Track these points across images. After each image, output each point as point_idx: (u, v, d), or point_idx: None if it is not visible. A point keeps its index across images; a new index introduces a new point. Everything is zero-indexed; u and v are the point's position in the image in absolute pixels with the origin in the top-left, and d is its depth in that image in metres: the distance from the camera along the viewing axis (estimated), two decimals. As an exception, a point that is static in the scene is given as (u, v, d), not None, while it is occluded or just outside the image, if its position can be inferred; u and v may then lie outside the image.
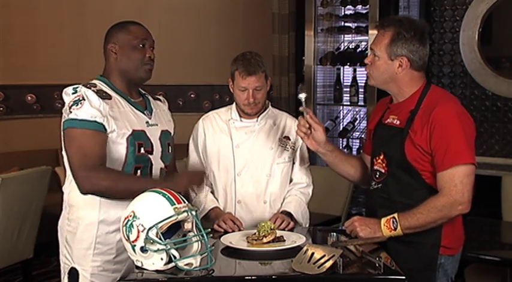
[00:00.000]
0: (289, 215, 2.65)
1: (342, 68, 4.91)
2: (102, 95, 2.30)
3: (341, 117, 5.01)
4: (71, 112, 2.25)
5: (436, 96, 2.34)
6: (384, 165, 2.37)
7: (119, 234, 2.28)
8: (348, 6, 4.83)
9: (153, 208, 2.01)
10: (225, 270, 2.15)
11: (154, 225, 1.97)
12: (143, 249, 2.00)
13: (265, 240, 2.27)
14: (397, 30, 2.29)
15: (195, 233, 2.06)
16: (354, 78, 4.82)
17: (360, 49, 4.77)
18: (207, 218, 2.68)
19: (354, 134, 4.89)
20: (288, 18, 5.15)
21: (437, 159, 2.24)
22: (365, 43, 4.72)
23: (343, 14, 4.91)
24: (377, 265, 2.02)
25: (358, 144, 4.91)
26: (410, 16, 4.08)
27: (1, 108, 5.37)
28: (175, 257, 1.98)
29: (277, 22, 5.16)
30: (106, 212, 2.33)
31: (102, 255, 2.35)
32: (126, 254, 2.26)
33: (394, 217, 2.25)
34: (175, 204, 2.01)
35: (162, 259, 1.99)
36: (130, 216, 2.02)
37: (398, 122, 2.35)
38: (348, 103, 4.89)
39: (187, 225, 2.06)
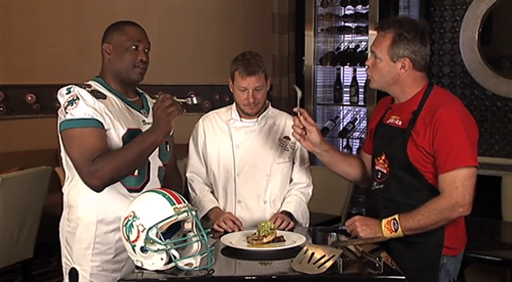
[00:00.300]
0: (289, 215, 2.65)
1: (342, 68, 4.91)
2: (97, 95, 2.30)
3: (341, 117, 5.01)
4: (66, 113, 2.25)
5: (439, 98, 2.33)
6: (385, 165, 2.37)
7: (118, 234, 2.29)
8: (348, 6, 4.82)
9: (153, 208, 2.01)
10: (225, 270, 2.16)
11: (154, 225, 1.97)
12: (143, 249, 2.00)
13: (265, 240, 2.27)
14: (398, 32, 2.28)
15: (195, 233, 2.06)
16: (354, 78, 4.82)
17: (360, 49, 4.77)
18: (207, 218, 2.68)
19: (354, 134, 4.88)
20: (288, 18, 5.15)
21: (439, 161, 2.23)
22: (365, 43, 4.72)
23: (343, 14, 4.91)
24: (377, 265, 2.02)
25: (358, 144, 4.91)
26: (409, 16, 4.08)
27: (1, 108, 5.37)
28: (175, 257, 1.98)
29: (277, 22, 5.16)
30: (104, 211, 2.33)
31: (101, 255, 2.35)
32: (125, 254, 2.27)
33: (395, 218, 2.25)
34: (175, 204, 2.01)
35: (162, 259, 2.00)
36: (130, 216, 2.02)
37: (400, 123, 2.34)
38: (348, 103, 4.89)
39: (187, 225, 2.06)
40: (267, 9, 5.28)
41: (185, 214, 2.02)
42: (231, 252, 2.23)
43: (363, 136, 4.76)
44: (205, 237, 2.04)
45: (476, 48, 4.56)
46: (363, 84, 4.75)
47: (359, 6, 4.75)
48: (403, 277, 1.97)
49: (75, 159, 2.24)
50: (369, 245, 2.23)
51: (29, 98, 5.48)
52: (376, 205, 2.42)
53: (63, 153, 2.34)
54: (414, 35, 2.28)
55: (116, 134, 2.29)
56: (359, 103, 4.82)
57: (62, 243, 2.43)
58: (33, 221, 3.84)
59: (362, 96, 4.77)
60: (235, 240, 2.32)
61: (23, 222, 3.76)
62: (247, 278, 2.06)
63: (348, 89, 4.87)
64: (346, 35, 4.96)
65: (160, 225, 1.98)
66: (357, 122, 4.87)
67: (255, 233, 2.32)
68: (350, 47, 4.87)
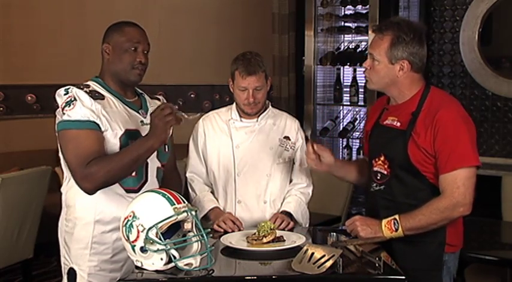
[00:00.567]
0: (289, 215, 2.65)
1: (342, 68, 4.90)
2: (95, 96, 2.31)
3: (341, 117, 5.00)
4: (63, 114, 2.26)
5: (438, 99, 2.35)
6: (385, 166, 2.37)
7: (115, 234, 2.30)
8: (348, 6, 4.82)
9: (152, 208, 2.01)
10: (225, 270, 2.16)
11: (154, 226, 1.97)
12: (143, 250, 2.00)
13: (265, 240, 2.27)
14: (396, 34, 2.29)
15: (195, 233, 2.06)
16: (354, 78, 4.81)
17: (360, 49, 4.77)
18: (207, 218, 2.68)
19: (354, 134, 4.88)
20: (288, 18, 5.14)
21: (440, 161, 2.25)
22: (365, 43, 4.72)
23: (343, 14, 4.91)
24: (377, 265, 2.02)
25: (358, 144, 4.91)
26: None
27: (1, 108, 5.37)
28: (175, 257, 1.98)
29: (277, 22, 5.16)
30: (102, 211, 2.34)
31: (98, 255, 2.35)
32: (123, 254, 2.28)
33: (395, 218, 2.26)
34: (175, 204, 2.01)
35: (162, 259, 2.00)
36: (130, 216, 2.02)
37: (398, 124, 2.35)
38: (348, 103, 4.88)
39: (187, 225, 2.06)
40: (267, 9, 5.28)
41: (185, 214, 2.02)
42: (231, 252, 2.23)
43: (362, 136, 4.75)
44: (205, 237, 2.05)
45: (476, 48, 4.56)
46: (363, 84, 4.74)
47: (359, 6, 4.74)
48: (403, 277, 1.97)
49: (70, 160, 2.25)
50: (369, 245, 2.23)
51: (29, 98, 5.48)
52: (376, 206, 2.42)
53: (61, 154, 2.34)
54: (412, 37, 2.29)
55: (114, 134, 2.30)
56: (359, 103, 4.81)
57: (60, 243, 2.44)
58: (33, 221, 3.84)
59: (362, 96, 4.77)
60: (235, 240, 2.32)
61: (23, 222, 3.76)
62: (247, 278, 2.06)
63: (348, 89, 4.87)
64: (346, 35, 4.95)
65: (160, 225, 1.98)
66: (357, 122, 4.87)
67: (254, 233, 2.32)
68: (350, 47, 4.87)
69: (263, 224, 2.32)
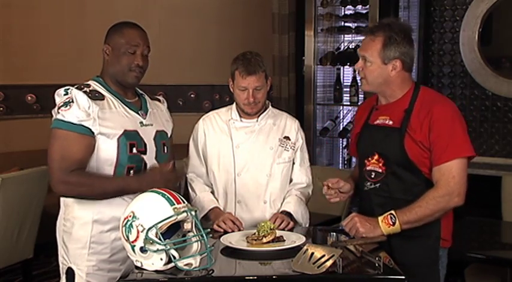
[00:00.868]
0: (289, 215, 2.65)
1: (342, 68, 4.91)
2: (95, 96, 2.31)
3: (341, 117, 5.01)
4: (58, 113, 2.28)
5: (430, 95, 2.44)
6: (380, 164, 2.41)
7: (113, 234, 2.31)
8: (348, 6, 4.83)
9: (152, 208, 2.01)
10: (225, 270, 2.15)
11: (153, 226, 1.97)
12: (143, 250, 2.00)
13: (265, 240, 2.27)
14: (388, 34, 2.35)
15: (195, 233, 2.06)
16: (354, 78, 4.81)
17: (360, 49, 4.76)
18: (207, 218, 2.68)
19: (354, 134, 4.88)
20: (288, 18, 5.14)
21: (435, 152, 2.31)
22: (365, 43, 4.72)
23: (343, 14, 4.91)
24: (377, 265, 2.02)
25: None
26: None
27: (1, 108, 5.36)
28: (174, 257, 1.98)
29: (277, 22, 5.16)
30: (100, 211, 2.34)
31: (97, 254, 2.36)
32: (121, 254, 2.29)
33: (391, 213, 2.30)
34: (174, 204, 2.01)
35: (161, 259, 2.00)
36: (130, 216, 2.02)
37: (391, 122, 2.41)
38: (348, 103, 4.89)
39: (187, 226, 2.06)
40: (267, 9, 5.28)
41: (184, 214, 2.02)
42: (231, 252, 2.23)
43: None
44: (205, 237, 2.05)
45: (476, 48, 4.56)
46: (363, 84, 4.74)
47: (359, 6, 4.75)
48: (403, 277, 1.98)
49: (53, 158, 2.27)
50: (369, 245, 2.24)
51: (29, 98, 5.47)
52: (370, 205, 2.45)
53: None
54: (403, 37, 2.37)
55: (111, 135, 2.30)
56: (359, 103, 4.80)
57: (58, 243, 2.45)
58: (33, 221, 3.84)
59: (362, 96, 4.77)
60: (235, 240, 2.32)
61: (23, 222, 3.76)
62: (247, 278, 2.05)
63: (348, 89, 4.87)
64: (346, 35, 4.96)
65: (159, 225, 1.98)
66: (357, 122, 4.86)
67: (254, 233, 2.32)
68: (350, 47, 4.87)
69: (263, 224, 2.32)
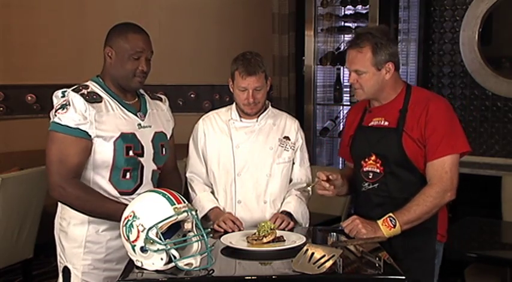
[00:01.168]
0: (289, 215, 2.65)
1: (342, 68, 4.90)
2: (92, 98, 2.31)
3: (341, 117, 5.00)
4: (55, 115, 2.28)
5: (423, 94, 2.50)
6: (377, 165, 2.44)
7: (109, 234, 2.33)
8: (348, 6, 4.82)
9: (153, 208, 2.01)
10: (225, 270, 2.16)
11: (154, 225, 1.97)
12: (143, 249, 2.00)
13: (265, 240, 2.27)
14: (373, 41, 2.41)
15: (195, 233, 2.06)
16: (354, 78, 4.81)
17: (360, 49, 4.76)
18: (207, 218, 2.68)
19: (354, 134, 4.88)
20: (288, 18, 5.14)
21: (430, 147, 2.35)
22: (365, 43, 4.71)
23: (343, 14, 4.91)
24: (377, 265, 2.02)
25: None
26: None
27: (1, 108, 5.36)
28: (175, 257, 1.98)
29: (277, 22, 5.15)
30: None
31: (92, 254, 2.37)
32: (116, 253, 2.31)
33: (390, 216, 2.31)
34: (175, 204, 2.01)
35: (162, 259, 2.00)
36: (130, 216, 2.02)
37: (386, 123, 2.44)
38: (348, 103, 4.88)
39: (187, 225, 2.06)
40: (267, 9, 5.28)
41: (185, 214, 2.02)
42: (231, 252, 2.23)
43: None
44: (205, 237, 2.05)
45: (476, 48, 4.56)
46: (362, 84, 4.74)
47: (359, 6, 4.74)
48: (403, 277, 1.98)
49: (51, 162, 2.28)
50: (369, 245, 2.24)
51: (29, 98, 5.47)
52: (368, 204, 2.47)
53: None
54: (387, 39, 2.43)
55: (108, 138, 2.30)
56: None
57: (56, 242, 2.46)
58: (33, 221, 3.84)
59: (362, 96, 4.77)
60: (235, 240, 2.32)
61: (23, 222, 3.76)
62: (247, 278, 2.05)
63: (348, 89, 4.86)
64: (346, 35, 4.95)
65: (160, 225, 1.98)
66: (357, 122, 4.86)
67: (254, 233, 2.32)
68: (350, 47, 4.86)
69: (263, 224, 2.32)
